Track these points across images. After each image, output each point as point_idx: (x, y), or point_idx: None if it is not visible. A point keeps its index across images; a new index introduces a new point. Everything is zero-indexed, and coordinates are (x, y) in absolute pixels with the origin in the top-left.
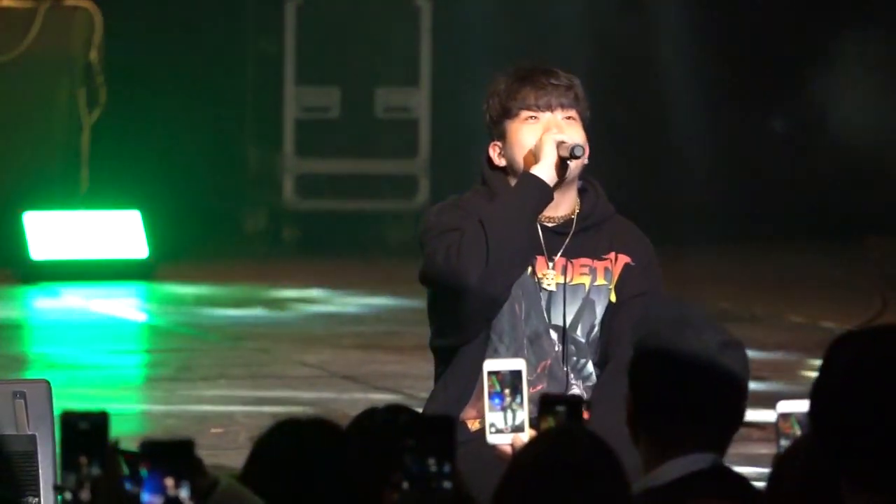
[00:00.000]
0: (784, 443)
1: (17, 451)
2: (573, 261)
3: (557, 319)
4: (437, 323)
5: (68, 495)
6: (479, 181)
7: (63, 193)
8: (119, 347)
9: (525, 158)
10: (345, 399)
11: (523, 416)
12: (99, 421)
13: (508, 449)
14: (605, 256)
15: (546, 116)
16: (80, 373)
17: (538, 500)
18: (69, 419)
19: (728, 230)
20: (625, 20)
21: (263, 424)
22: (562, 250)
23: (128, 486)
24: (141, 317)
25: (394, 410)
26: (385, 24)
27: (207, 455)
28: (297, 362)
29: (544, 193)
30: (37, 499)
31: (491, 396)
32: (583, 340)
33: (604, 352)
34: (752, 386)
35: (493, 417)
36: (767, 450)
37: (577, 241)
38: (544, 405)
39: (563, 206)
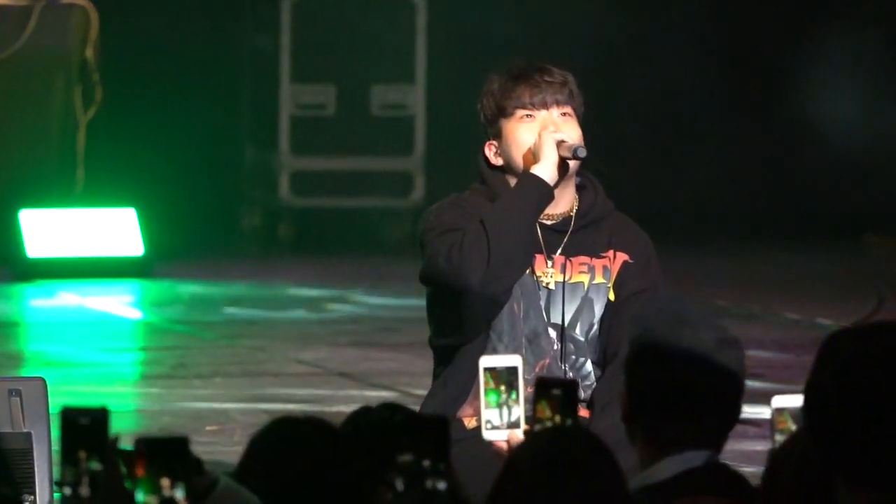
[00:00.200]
0: (779, 438)
1: (12, 449)
2: (572, 259)
3: (556, 318)
4: (436, 322)
5: (67, 491)
6: (477, 180)
7: (59, 191)
8: (115, 345)
9: (524, 157)
10: (341, 396)
11: (519, 412)
12: (99, 417)
13: (504, 445)
14: (604, 254)
15: (542, 114)
16: (75, 370)
17: (534, 499)
18: (69, 415)
19: (725, 228)
20: (620, 19)
21: (259, 422)
22: (561, 248)
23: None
24: (136, 314)
25: (389, 409)
26: (381, 22)
27: (203, 453)
28: (292, 360)
29: (545, 193)
30: (32, 496)
31: (486, 393)
32: (581, 339)
33: (603, 351)
34: (748, 383)
35: (489, 414)
36: (763, 447)
37: (576, 238)
38: (540, 389)
39: (562, 203)
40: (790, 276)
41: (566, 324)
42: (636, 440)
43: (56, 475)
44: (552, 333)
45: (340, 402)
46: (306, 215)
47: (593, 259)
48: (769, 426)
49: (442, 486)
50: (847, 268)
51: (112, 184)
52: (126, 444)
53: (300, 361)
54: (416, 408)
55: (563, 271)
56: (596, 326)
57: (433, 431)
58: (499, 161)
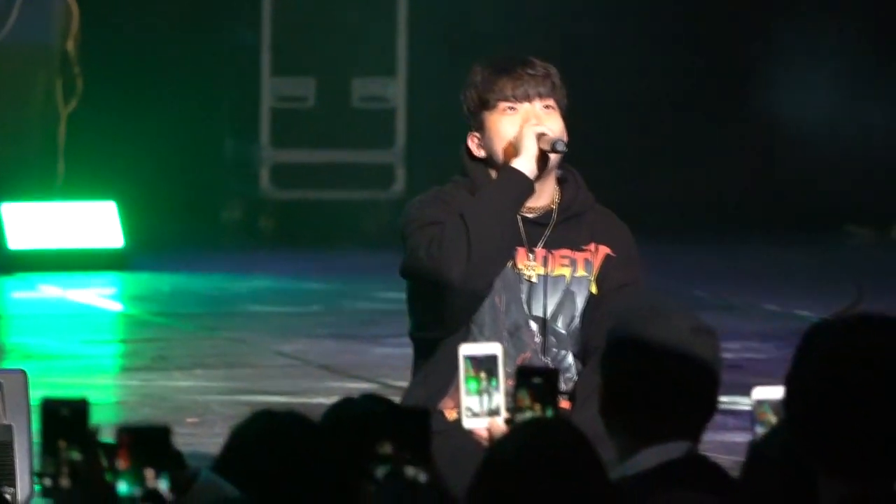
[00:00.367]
0: (759, 429)
1: None
2: (553, 252)
3: (538, 311)
4: (417, 315)
5: (48, 482)
6: (458, 172)
7: (39, 184)
8: (95, 337)
9: (505, 150)
10: (321, 388)
11: (499, 399)
12: (80, 408)
13: (485, 433)
14: (586, 247)
15: (524, 107)
16: (56, 363)
17: (514, 492)
18: (50, 406)
19: (704, 221)
20: (596, 18)
21: (239, 414)
22: (542, 241)
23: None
24: (117, 307)
25: (369, 400)
26: (362, 14)
27: (183, 445)
28: (273, 352)
29: (525, 187)
30: (13, 489)
31: (467, 380)
32: (563, 332)
33: (584, 344)
34: (728, 374)
35: (469, 401)
36: (743, 438)
37: (558, 231)
38: (521, 377)
39: (543, 196)
40: (769, 267)
41: (548, 316)
42: (614, 433)
43: (36, 467)
44: (533, 326)
45: (321, 394)
46: (287, 208)
47: (575, 252)
48: (749, 417)
49: (423, 477)
50: (827, 259)
51: (92, 176)
52: (106, 437)
53: (280, 353)
54: (397, 400)
55: (545, 264)
56: (577, 319)
57: (414, 423)
58: (481, 153)
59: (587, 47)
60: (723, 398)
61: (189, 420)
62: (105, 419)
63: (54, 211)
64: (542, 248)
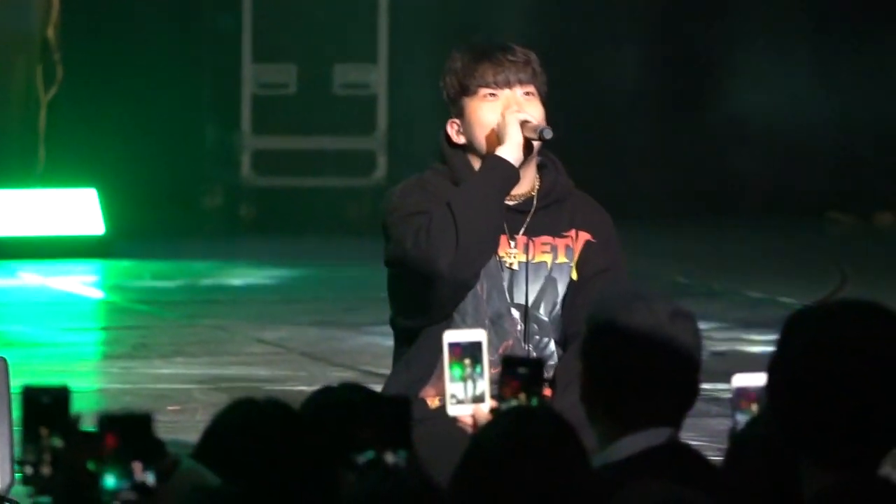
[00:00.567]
0: (740, 417)
1: None
2: (534, 239)
3: (520, 298)
4: (400, 304)
5: (29, 470)
6: (437, 159)
7: (20, 171)
8: (76, 325)
9: (487, 137)
10: (302, 376)
11: (484, 386)
12: (61, 396)
13: (469, 420)
14: (566, 234)
15: (505, 93)
16: (36, 350)
17: (499, 479)
18: (31, 394)
19: (685, 207)
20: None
21: (221, 402)
22: (523, 228)
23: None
24: (98, 294)
25: (349, 389)
26: (342, 1)
27: (164, 433)
28: (254, 339)
29: (511, 175)
30: None
31: (451, 366)
32: (545, 319)
33: (565, 330)
34: (711, 361)
35: (454, 388)
36: (725, 425)
37: (538, 218)
38: (507, 367)
39: (524, 183)
40: (752, 254)
41: (530, 304)
42: (595, 420)
43: (17, 455)
44: (515, 314)
45: (302, 382)
46: (268, 194)
47: (556, 238)
48: (730, 404)
49: (404, 466)
50: (810, 246)
51: (73, 164)
52: (87, 425)
53: (262, 341)
54: (378, 388)
55: (526, 251)
56: (559, 306)
57: (395, 412)
58: (461, 139)
59: (562, 41)
60: (705, 385)
61: (170, 408)
62: (86, 407)
63: (35, 198)
64: (523, 235)
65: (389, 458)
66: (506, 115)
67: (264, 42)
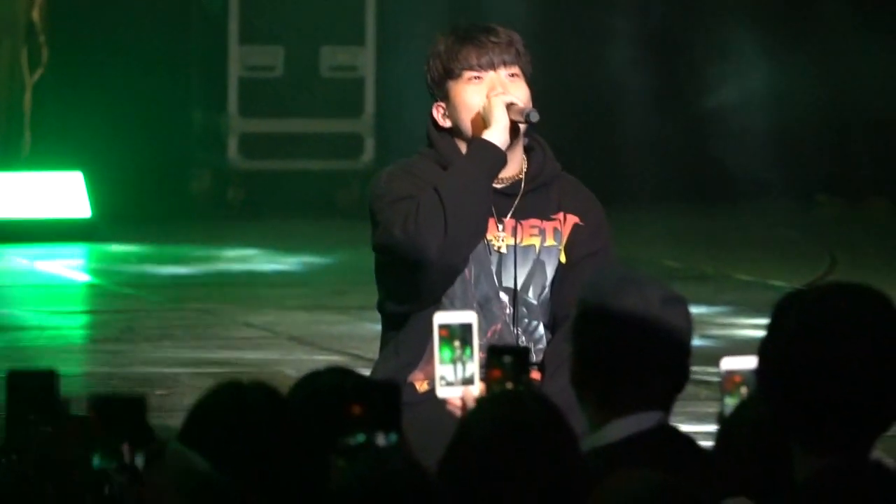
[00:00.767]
0: (728, 400)
1: None
2: (522, 222)
3: (508, 282)
4: (389, 289)
5: (14, 456)
6: (424, 143)
7: (5, 154)
8: (62, 308)
9: (473, 120)
10: (290, 360)
11: (473, 368)
12: (47, 380)
13: (458, 403)
14: (554, 217)
15: (489, 75)
16: (23, 334)
17: (488, 464)
18: (17, 378)
19: (676, 190)
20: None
21: (208, 386)
22: (511, 212)
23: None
24: (84, 277)
25: (337, 373)
26: None
27: (152, 417)
28: (241, 323)
29: (498, 159)
30: None
31: (441, 348)
32: (534, 302)
33: (554, 313)
34: (700, 344)
35: (443, 370)
36: (715, 409)
37: (526, 201)
38: (492, 356)
39: (511, 166)
40: (742, 237)
41: (519, 287)
42: (585, 403)
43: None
44: (504, 298)
45: (290, 366)
46: (255, 178)
47: (544, 221)
48: (719, 388)
49: (393, 451)
50: (799, 229)
51: (59, 147)
52: (74, 410)
53: (249, 325)
54: (367, 372)
55: (514, 234)
56: (547, 289)
57: (384, 396)
58: (447, 123)
59: (554, 23)
60: (695, 368)
61: (158, 392)
62: (73, 391)
63: (21, 181)
64: (511, 218)
65: (380, 440)
66: (491, 97)
67: (251, 24)
